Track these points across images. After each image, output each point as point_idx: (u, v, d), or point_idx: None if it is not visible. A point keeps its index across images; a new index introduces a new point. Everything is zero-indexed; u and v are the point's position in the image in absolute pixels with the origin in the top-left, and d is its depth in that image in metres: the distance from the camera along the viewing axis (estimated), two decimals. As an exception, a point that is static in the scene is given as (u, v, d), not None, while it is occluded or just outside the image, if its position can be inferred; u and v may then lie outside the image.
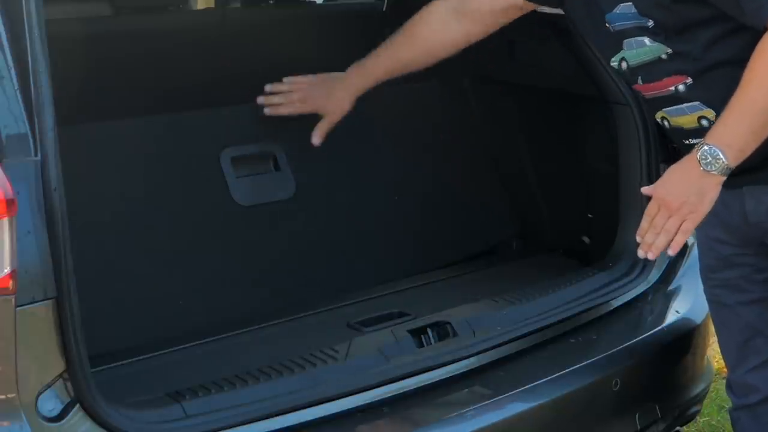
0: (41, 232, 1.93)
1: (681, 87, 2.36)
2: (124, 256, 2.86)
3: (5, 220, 1.86)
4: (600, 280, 2.90)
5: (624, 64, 2.43)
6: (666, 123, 2.47)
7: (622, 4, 2.35)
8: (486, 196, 3.48)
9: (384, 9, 3.67)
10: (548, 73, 3.17)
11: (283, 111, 2.97)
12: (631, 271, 2.94)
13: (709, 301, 2.71)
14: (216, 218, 3.05)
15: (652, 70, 2.39)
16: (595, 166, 3.12)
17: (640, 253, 2.39)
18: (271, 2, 3.57)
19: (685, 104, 2.37)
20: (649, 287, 2.94)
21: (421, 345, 2.50)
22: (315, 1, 3.87)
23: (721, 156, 2.23)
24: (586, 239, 3.20)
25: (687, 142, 2.42)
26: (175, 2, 3.46)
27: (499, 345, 2.60)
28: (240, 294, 2.96)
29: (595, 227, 3.17)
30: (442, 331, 2.55)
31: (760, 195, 2.40)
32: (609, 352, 2.71)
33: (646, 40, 2.35)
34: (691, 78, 2.34)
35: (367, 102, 3.00)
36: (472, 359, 2.55)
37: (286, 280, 3.05)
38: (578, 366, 2.62)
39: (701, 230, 2.54)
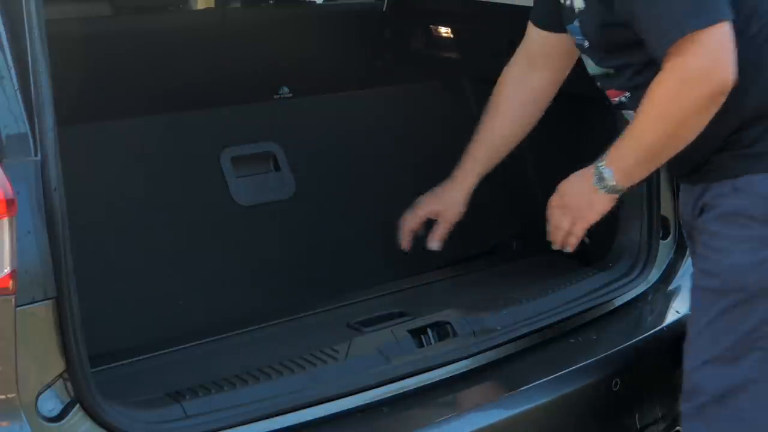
0: (41, 232, 1.93)
1: (623, 99, 2.44)
2: (124, 255, 2.86)
3: (5, 220, 1.86)
4: (600, 280, 2.90)
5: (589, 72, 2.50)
6: None
7: (576, 20, 2.40)
8: (486, 196, 3.47)
9: (384, 9, 3.67)
10: None
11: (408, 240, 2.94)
12: (631, 271, 2.95)
13: None
14: (216, 218, 3.06)
15: (603, 80, 2.46)
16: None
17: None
18: (271, 2, 3.58)
19: (632, 112, 2.41)
20: (649, 287, 2.94)
21: (421, 345, 2.50)
22: (315, 1, 3.87)
23: (610, 177, 2.34)
24: (586, 239, 3.19)
25: None
26: (175, 2, 3.47)
27: (499, 345, 2.60)
28: (240, 294, 2.96)
29: (595, 227, 3.16)
30: (442, 331, 2.55)
31: (687, 193, 2.45)
32: (609, 352, 2.71)
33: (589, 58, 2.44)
34: (629, 92, 2.40)
35: (366, 102, 3.01)
36: (472, 359, 2.55)
37: (286, 280, 3.05)
38: (578, 366, 2.62)
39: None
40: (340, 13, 3.82)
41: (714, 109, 2.18)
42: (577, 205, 2.44)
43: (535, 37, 2.72)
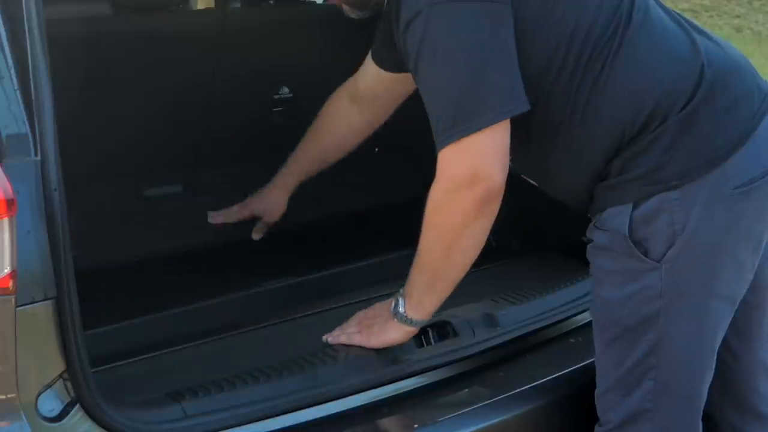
0: (41, 232, 1.93)
1: None
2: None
3: (5, 220, 1.86)
4: (600, 280, 2.89)
5: None
6: None
7: None
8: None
9: (384, 9, 3.66)
10: None
11: (221, 219, 3.02)
12: (631, 271, 2.94)
13: None
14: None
15: None
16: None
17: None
18: (271, 2, 3.57)
19: None
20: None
21: (421, 345, 2.50)
22: (315, 1, 3.87)
23: (402, 306, 2.33)
24: (586, 239, 3.19)
25: None
26: (175, 2, 3.47)
27: (499, 345, 2.60)
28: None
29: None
30: (443, 331, 2.55)
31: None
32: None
33: None
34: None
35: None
36: (472, 359, 2.55)
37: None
38: (578, 366, 2.62)
39: None
40: (341, 13, 3.82)
41: (489, 212, 2.13)
42: (374, 324, 2.41)
43: (371, 72, 2.69)
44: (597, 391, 2.39)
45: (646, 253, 2.19)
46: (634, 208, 2.18)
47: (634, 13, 2.20)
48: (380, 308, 2.43)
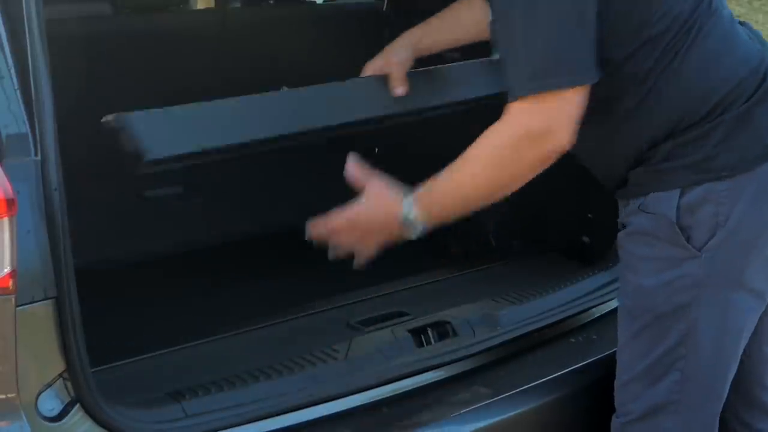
0: (41, 232, 1.93)
1: None
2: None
3: (5, 220, 1.86)
4: (600, 280, 2.90)
5: None
6: None
7: None
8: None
9: (384, 9, 3.67)
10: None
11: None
12: (631, 271, 2.94)
13: None
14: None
15: None
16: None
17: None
18: (272, 2, 3.58)
19: None
20: (649, 287, 2.94)
21: (421, 345, 2.50)
22: (315, 1, 3.88)
23: (414, 212, 2.20)
24: (586, 239, 3.20)
25: None
26: (175, 2, 3.47)
27: (499, 345, 2.60)
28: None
29: (595, 227, 3.17)
30: (442, 331, 2.55)
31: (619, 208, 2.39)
32: (609, 352, 2.71)
33: None
34: None
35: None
36: (472, 359, 2.55)
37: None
38: (578, 366, 2.62)
39: None
40: (340, 13, 3.83)
41: (541, 169, 2.15)
42: (373, 241, 2.27)
43: None
44: (617, 382, 2.37)
45: (688, 241, 2.19)
46: (681, 195, 2.19)
47: (713, 6, 2.22)
48: (367, 221, 2.26)
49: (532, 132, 2.10)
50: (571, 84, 2.07)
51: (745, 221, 2.18)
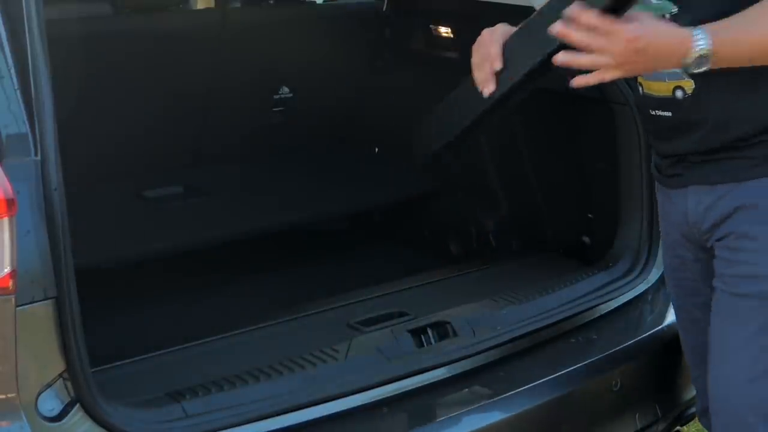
0: (41, 232, 1.93)
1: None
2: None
3: (5, 220, 1.86)
4: (600, 280, 2.90)
5: None
6: (640, 89, 2.29)
7: None
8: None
9: (384, 9, 3.67)
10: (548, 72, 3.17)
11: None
12: (631, 271, 2.94)
13: (672, 301, 2.59)
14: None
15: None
16: (594, 165, 3.12)
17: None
18: (272, 2, 3.58)
19: (665, 71, 2.17)
20: (649, 287, 2.94)
21: (421, 345, 2.50)
22: (315, 1, 3.88)
23: (708, 49, 1.97)
24: (586, 239, 3.20)
25: (653, 113, 2.25)
26: (175, 2, 3.47)
27: (499, 345, 2.60)
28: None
29: (595, 227, 3.17)
30: (442, 331, 2.55)
31: (701, 195, 2.23)
32: (609, 352, 2.71)
33: None
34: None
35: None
36: (472, 359, 2.55)
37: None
38: (578, 366, 2.62)
39: (663, 229, 2.49)
40: (340, 13, 3.82)
41: None
42: (639, 66, 2.01)
43: None
44: (729, 383, 2.21)
45: None
46: None
47: None
48: (652, 46, 1.96)
49: None
50: None
51: None
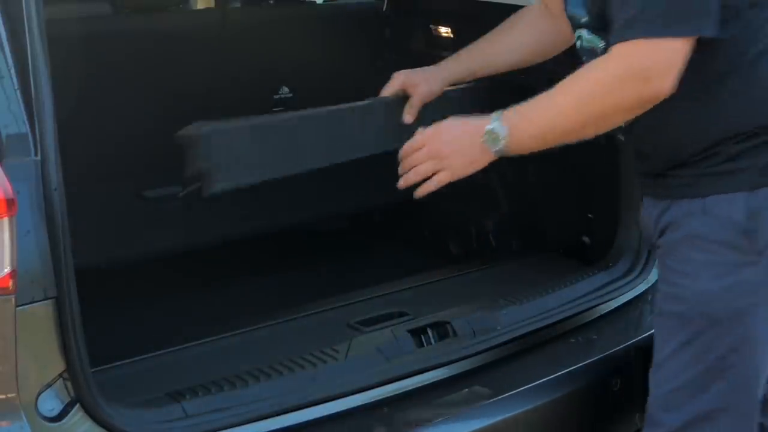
0: (41, 232, 1.93)
1: None
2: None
3: (5, 220, 1.86)
4: (600, 280, 2.90)
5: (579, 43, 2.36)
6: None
7: None
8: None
9: (384, 9, 3.67)
10: (548, 73, 3.17)
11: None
12: (631, 271, 2.95)
13: None
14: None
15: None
16: (594, 166, 3.12)
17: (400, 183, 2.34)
18: (271, 2, 3.58)
19: None
20: (649, 287, 2.94)
21: (421, 345, 2.50)
22: (315, 1, 3.88)
23: (504, 140, 2.19)
24: (586, 239, 3.20)
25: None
26: (175, 2, 3.47)
27: (499, 345, 2.60)
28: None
29: (595, 227, 3.17)
30: (442, 331, 2.55)
31: (650, 207, 2.31)
32: (609, 352, 2.71)
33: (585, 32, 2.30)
34: None
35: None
36: (472, 359, 2.55)
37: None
38: (578, 366, 2.62)
39: None
40: (340, 13, 3.83)
41: (636, 114, 2.12)
42: (454, 157, 2.25)
43: None
44: (657, 392, 2.30)
45: (750, 246, 2.15)
46: (746, 199, 2.15)
47: None
48: (461, 141, 2.26)
49: (637, 71, 2.07)
50: (690, 33, 2.04)
51: None
